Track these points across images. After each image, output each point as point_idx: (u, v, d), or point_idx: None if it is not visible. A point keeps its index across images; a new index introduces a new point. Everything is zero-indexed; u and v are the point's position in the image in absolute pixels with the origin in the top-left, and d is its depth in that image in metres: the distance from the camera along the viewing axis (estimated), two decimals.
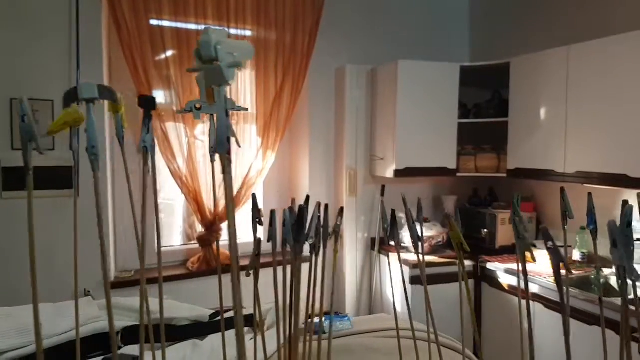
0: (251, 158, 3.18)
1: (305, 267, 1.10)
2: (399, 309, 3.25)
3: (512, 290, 2.86)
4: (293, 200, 1.22)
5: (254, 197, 1.15)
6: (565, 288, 0.79)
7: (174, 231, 3.44)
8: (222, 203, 3.13)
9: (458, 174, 3.38)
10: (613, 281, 2.71)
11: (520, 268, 0.86)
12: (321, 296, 1.07)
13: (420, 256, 1.12)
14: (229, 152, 0.56)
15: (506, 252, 3.21)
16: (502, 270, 2.93)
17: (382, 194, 3.48)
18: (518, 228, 0.82)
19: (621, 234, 0.66)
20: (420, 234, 1.24)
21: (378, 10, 3.60)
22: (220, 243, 3.17)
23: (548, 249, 0.72)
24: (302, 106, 3.44)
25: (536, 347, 2.64)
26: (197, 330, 1.58)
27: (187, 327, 1.61)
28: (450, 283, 3.12)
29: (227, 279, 3.26)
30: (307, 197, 1.16)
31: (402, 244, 3.31)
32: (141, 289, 1.03)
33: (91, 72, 2.76)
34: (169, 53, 2.93)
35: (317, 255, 1.11)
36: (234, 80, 1.02)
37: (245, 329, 1.63)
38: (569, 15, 3.12)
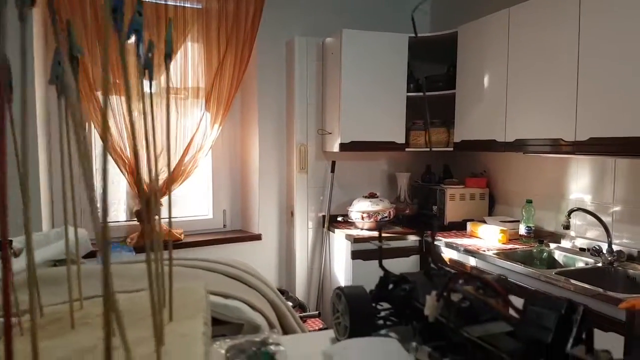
0: (192, 131, 3.09)
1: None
2: (342, 282, 3.18)
3: (453, 264, 2.77)
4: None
5: None
6: None
7: (120, 207, 3.36)
8: (161, 177, 3.06)
9: (407, 149, 3.28)
10: (557, 255, 2.62)
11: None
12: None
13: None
14: None
15: (455, 227, 3.12)
16: (444, 245, 2.84)
17: (332, 170, 3.39)
18: None
19: None
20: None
21: None
22: (164, 220, 3.14)
23: None
24: (251, 79, 3.35)
25: None
26: None
27: None
28: (395, 258, 3.04)
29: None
30: None
31: (349, 220, 3.23)
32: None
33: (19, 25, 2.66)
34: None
35: None
36: None
37: None
38: None
